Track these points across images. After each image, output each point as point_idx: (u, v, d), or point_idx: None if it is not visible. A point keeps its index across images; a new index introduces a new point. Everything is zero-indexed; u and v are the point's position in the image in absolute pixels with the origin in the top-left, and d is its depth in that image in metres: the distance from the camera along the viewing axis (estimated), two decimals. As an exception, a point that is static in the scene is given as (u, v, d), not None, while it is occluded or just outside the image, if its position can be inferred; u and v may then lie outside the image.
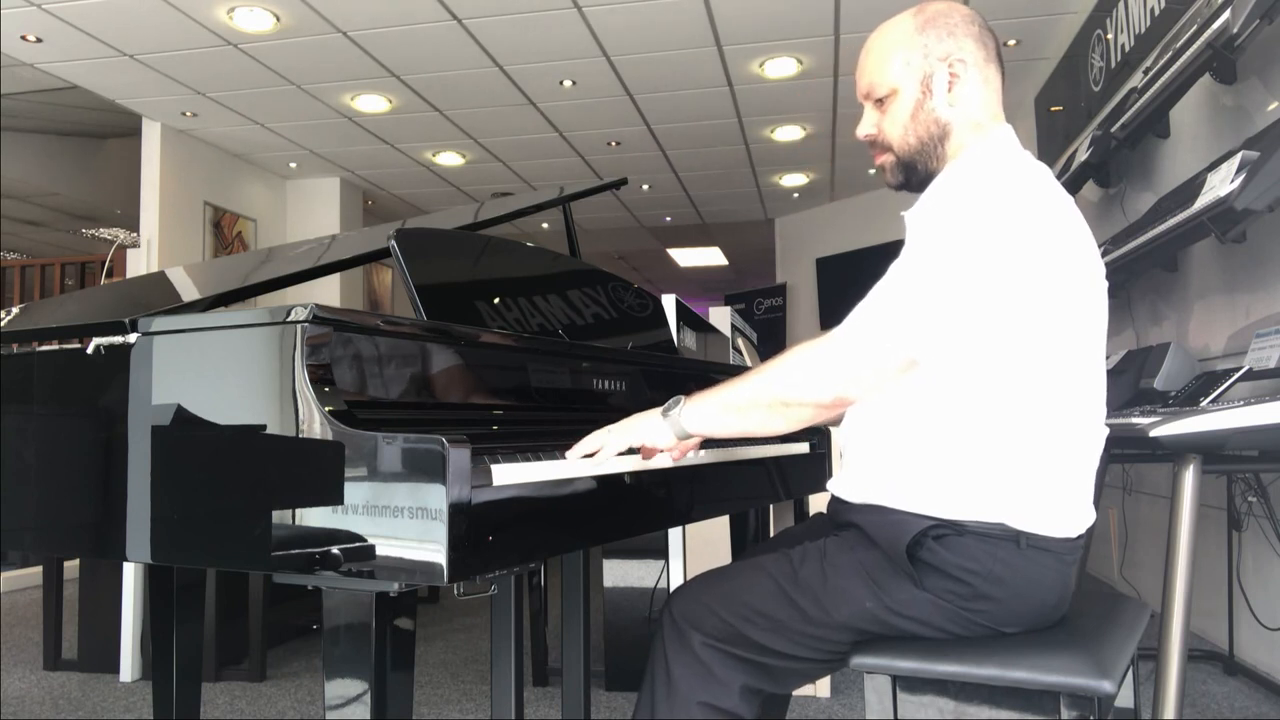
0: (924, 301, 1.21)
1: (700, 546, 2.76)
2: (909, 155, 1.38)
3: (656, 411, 1.35)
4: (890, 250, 1.49)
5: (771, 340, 8.90)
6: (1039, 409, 1.24)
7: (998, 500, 1.24)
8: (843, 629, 1.28)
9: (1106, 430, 1.34)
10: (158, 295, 1.71)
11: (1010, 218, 1.22)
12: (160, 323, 1.24)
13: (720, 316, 3.49)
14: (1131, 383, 2.88)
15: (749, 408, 1.30)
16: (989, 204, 1.23)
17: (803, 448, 2.02)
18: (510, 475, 1.10)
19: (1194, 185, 2.81)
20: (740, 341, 3.66)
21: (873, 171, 6.50)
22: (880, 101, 1.38)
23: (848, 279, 8.00)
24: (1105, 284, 1.31)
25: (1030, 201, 1.24)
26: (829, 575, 1.29)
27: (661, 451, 1.36)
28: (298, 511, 1.07)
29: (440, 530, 0.99)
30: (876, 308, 1.25)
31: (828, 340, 1.28)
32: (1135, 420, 2.09)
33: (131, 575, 3.05)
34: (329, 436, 1.05)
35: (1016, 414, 1.23)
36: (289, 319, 1.12)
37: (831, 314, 8.49)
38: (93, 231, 9.27)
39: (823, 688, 2.83)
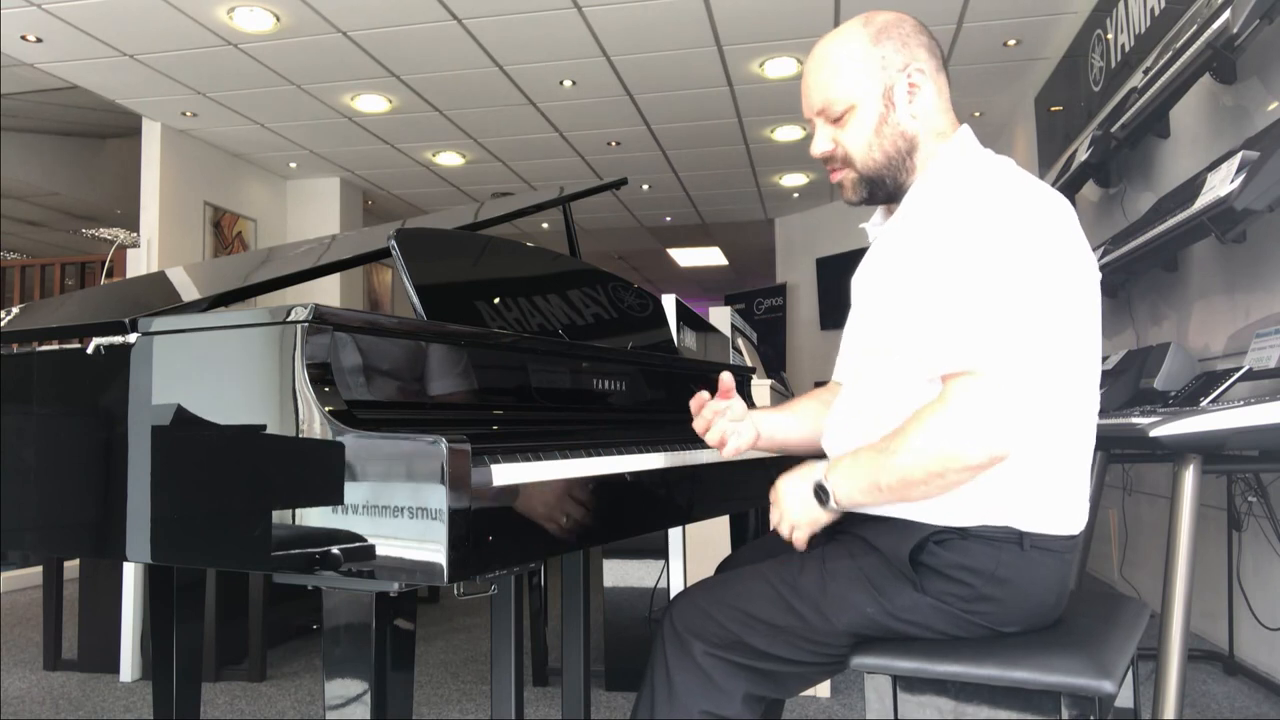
0: (1016, 327, 1.17)
1: (700, 546, 2.76)
2: (874, 171, 1.35)
3: (811, 499, 1.31)
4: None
5: (771, 340, 8.90)
6: (1044, 410, 1.24)
7: (1004, 504, 1.24)
8: (843, 635, 1.28)
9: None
10: (158, 295, 1.70)
11: (1038, 228, 1.22)
12: (160, 323, 1.24)
13: (720, 316, 3.49)
14: (1131, 383, 2.88)
15: (902, 489, 1.22)
16: (1017, 215, 1.22)
17: (803, 448, 2.02)
18: (510, 475, 1.10)
19: (1194, 185, 2.81)
20: (740, 341, 3.66)
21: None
22: (837, 119, 1.35)
23: (848, 279, 7.95)
24: (1099, 276, 1.31)
25: (1045, 208, 1.25)
26: (828, 582, 1.29)
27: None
28: (298, 511, 1.07)
29: (440, 530, 0.99)
30: (978, 348, 1.18)
31: (956, 400, 1.17)
32: (1135, 420, 2.09)
33: (131, 575, 3.05)
34: (329, 436, 1.05)
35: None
36: (289, 319, 1.12)
37: (832, 314, 8.49)
38: (93, 231, 9.27)
39: (823, 688, 2.83)
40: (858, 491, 1.26)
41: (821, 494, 1.29)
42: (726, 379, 1.45)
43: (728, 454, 1.46)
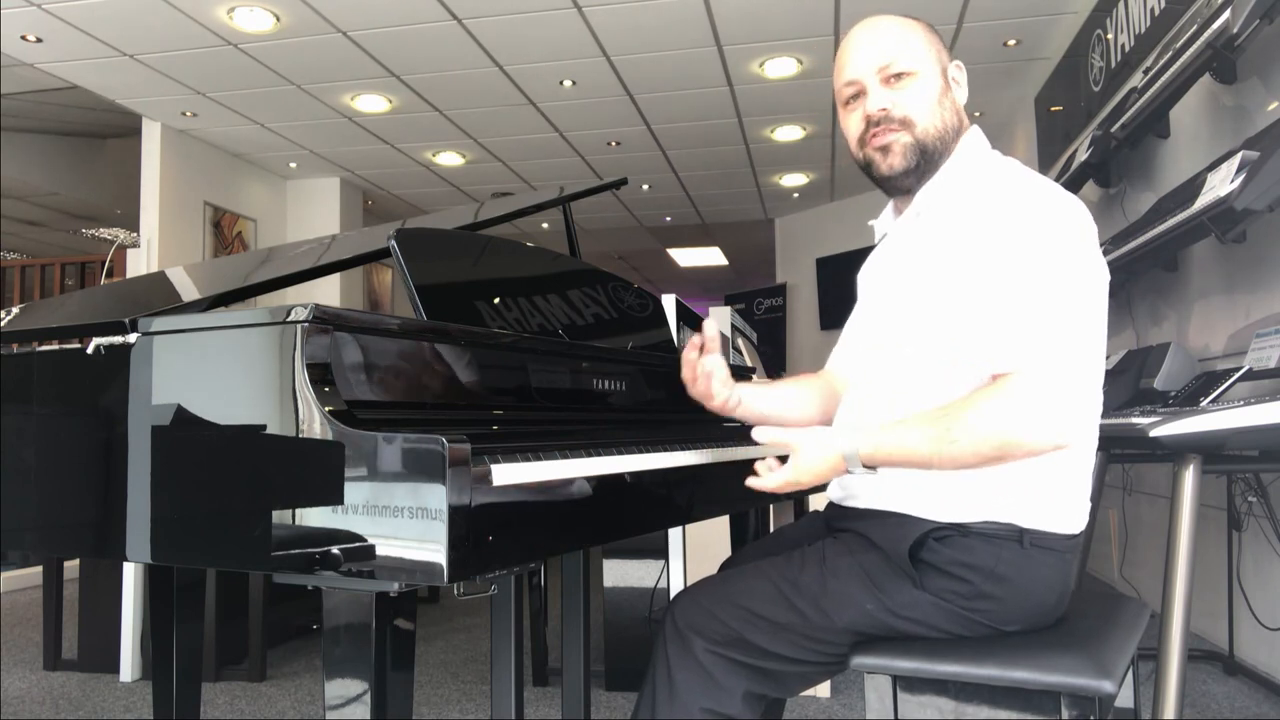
0: (1067, 324, 1.18)
1: (700, 547, 2.76)
2: (930, 139, 1.35)
3: (839, 458, 1.25)
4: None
5: (771, 340, 8.90)
6: (1092, 404, 1.24)
7: (1005, 501, 1.25)
8: (844, 632, 1.28)
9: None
10: (158, 295, 1.70)
11: (1072, 229, 1.23)
12: (160, 323, 1.24)
13: (720, 316, 3.50)
14: (1131, 383, 2.88)
15: (953, 468, 1.20)
16: (1055, 216, 1.23)
17: (803, 448, 2.01)
18: (510, 475, 1.10)
19: (1194, 185, 2.81)
20: (740, 341, 3.66)
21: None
22: (896, 77, 1.34)
23: (848, 279, 7.95)
24: (1108, 277, 1.32)
25: (1073, 210, 1.26)
26: (828, 580, 1.29)
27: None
28: (298, 511, 1.07)
29: (440, 530, 0.99)
30: (1032, 347, 1.17)
31: (1018, 390, 1.16)
32: (1135, 420, 2.09)
33: (131, 575, 3.05)
34: (329, 436, 1.05)
35: None
36: (289, 319, 1.12)
37: (832, 314, 8.48)
38: (93, 231, 9.27)
39: (823, 688, 2.83)
40: (901, 465, 1.23)
41: (860, 467, 1.24)
42: (709, 327, 1.42)
43: (714, 404, 1.46)
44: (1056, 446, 1.17)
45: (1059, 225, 1.23)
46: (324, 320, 1.13)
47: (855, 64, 1.37)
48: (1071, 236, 1.23)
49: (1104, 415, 1.35)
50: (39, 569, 4.47)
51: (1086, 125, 4.48)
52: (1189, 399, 2.36)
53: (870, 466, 1.24)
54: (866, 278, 1.48)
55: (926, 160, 1.36)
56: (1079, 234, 1.24)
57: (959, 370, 1.25)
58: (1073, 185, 4.02)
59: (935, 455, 1.19)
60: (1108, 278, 1.29)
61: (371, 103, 6.06)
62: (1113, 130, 3.58)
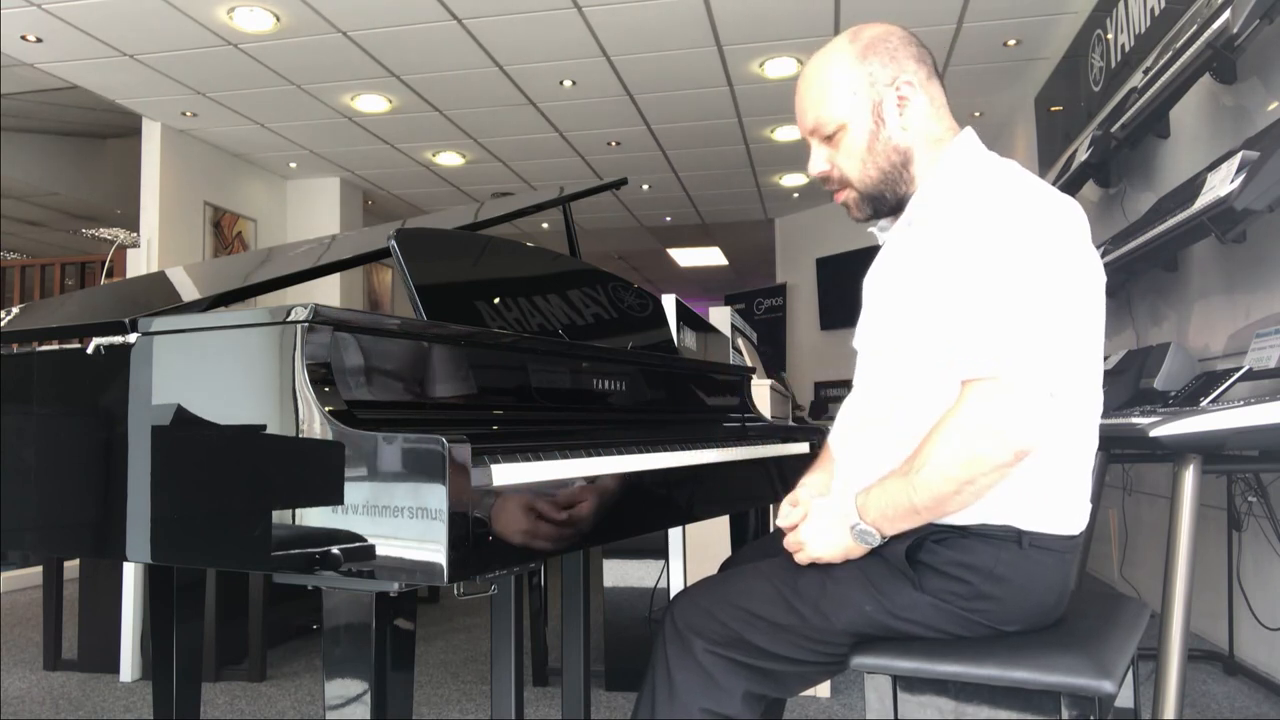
0: (1032, 331, 1.18)
1: (700, 546, 2.76)
2: (872, 188, 1.37)
3: (847, 532, 1.27)
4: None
5: (771, 340, 8.90)
6: (1064, 408, 1.23)
7: (1004, 503, 1.24)
8: (843, 633, 1.28)
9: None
10: (158, 295, 1.70)
11: (1051, 232, 1.22)
12: (160, 323, 1.24)
13: (720, 316, 3.50)
14: (1131, 383, 2.88)
15: (937, 505, 1.22)
16: (1031, 219, 1.22)
17: (803, 448, 2.02)
18: (510, 475, 1.10)
19: (1194, 185, 2.81)
20: (740, 341, 3.66)
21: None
22: (830, 138, 1.36)
23: (848, 279, 7.97)
24: (1104, 279, 1.31)
25: (1057, 212, 1.25)
26: (828, 581, 1.29)
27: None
28: (298, 511, 1.07)
29: (440, 530, 0.99)
30: (996, 354, 1.17)
31: (972, 405, 1.18)
32: (1135, 420, 2.09)
33: (131, 575, 3.05)
34: (329, 436, 1.05)
35: None
36: (289, 319, 1.12)
37: (831, 314, 8.49)
38: (93, 231, 9.28)
39: (823, 688, 2.83)
40: (899, 521, 1.25)
41: (867, 537, 1.27)
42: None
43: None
44: (1018, 454, 1.17)
45: (1030, 228, 1.21)
46: (324, 320, 1.13)
47: (798, 124, 1.41)
48: (1048, 237, 1.21)
49: (1104, 415, 1.35)
50: (39, 569, 4.47)
51: (1086, 125, 4.48)
52: (1189, 399, 2.36)
53: (870, 522, 1.26)
54: (869, 284, 1.49)
55: (880, 203, 1.38)
56: (1059, 234, 1.22)
57: (951, 373, 1.25)
58: (1073, 185, 4.02)
59: (912, 490, 1.21)
60: (1101, 276, 1.28)
61: (371, 103, 6.06)
62: (1113, 130, 3.58)
